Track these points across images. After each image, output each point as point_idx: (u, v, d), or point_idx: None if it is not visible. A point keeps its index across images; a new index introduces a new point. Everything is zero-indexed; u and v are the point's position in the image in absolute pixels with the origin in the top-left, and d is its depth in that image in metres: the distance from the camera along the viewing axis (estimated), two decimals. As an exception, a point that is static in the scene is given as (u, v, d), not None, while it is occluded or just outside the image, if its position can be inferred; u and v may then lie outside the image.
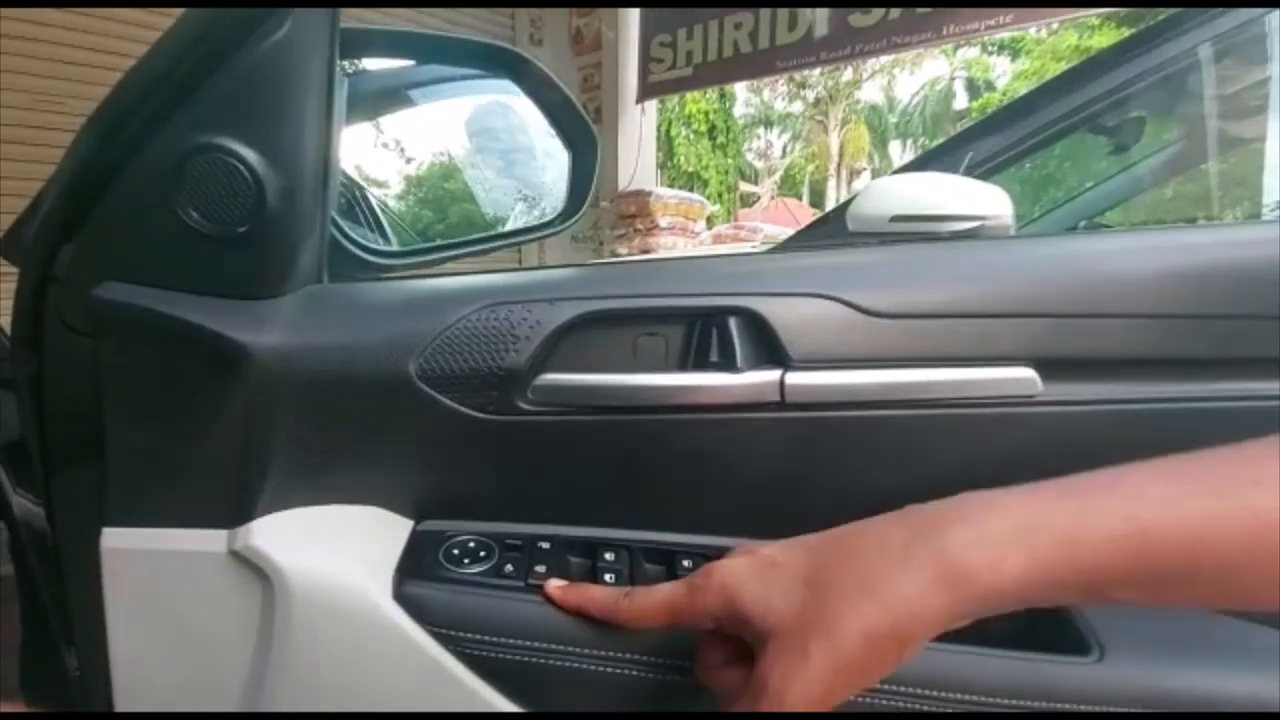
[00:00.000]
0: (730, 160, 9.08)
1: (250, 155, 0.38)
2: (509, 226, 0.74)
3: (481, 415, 0.42)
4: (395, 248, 0.63)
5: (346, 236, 0.49)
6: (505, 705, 0.40)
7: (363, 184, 0.94)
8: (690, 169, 8.54)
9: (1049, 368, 0.43)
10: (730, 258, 0.49)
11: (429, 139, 1.09)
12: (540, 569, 0.42)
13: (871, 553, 0.29)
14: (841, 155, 10.83)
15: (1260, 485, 0.26)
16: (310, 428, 0.41)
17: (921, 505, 0.30)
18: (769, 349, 0.43)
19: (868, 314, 0.42)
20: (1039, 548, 0.27)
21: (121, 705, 0.43)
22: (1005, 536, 0.27)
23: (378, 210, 0.90)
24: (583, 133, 0.54)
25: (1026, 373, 0.43)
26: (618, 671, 0.39)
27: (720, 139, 8.87)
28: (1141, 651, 0.43)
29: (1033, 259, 0.45)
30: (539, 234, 0.56)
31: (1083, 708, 0.41)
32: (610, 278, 0.45)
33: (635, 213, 3.72)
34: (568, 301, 0.42)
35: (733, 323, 0.43)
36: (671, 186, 5.96)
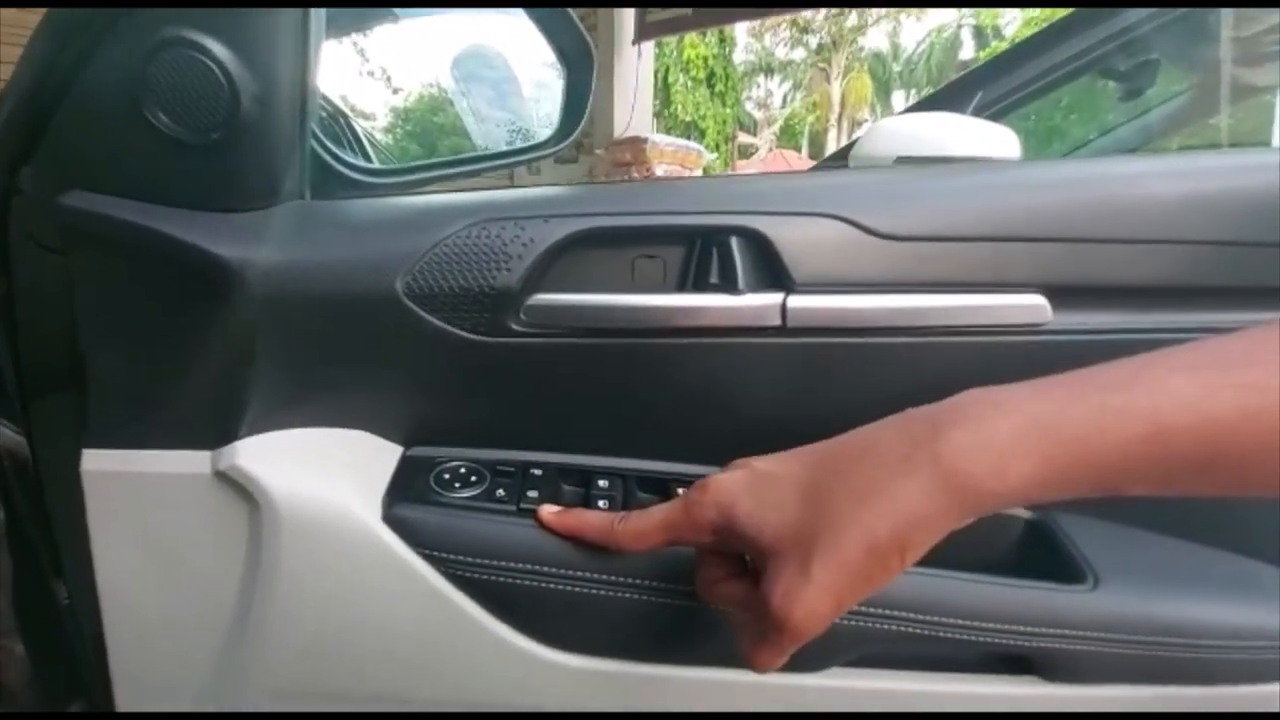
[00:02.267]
0: (729, 109, 8.86)
1: (222, 53, 0.35)
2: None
3: (472, 336, 0.40)
4: (380, 166, 0.60)
5: (330, 154, 0.46)
6: (497, 627, 0.39)
7: (348, 114, 0.90)
8: (687, 118, 8.34)
9: (1060, 295, 0.42)
10: (734, 177, 0.47)
11: (417, 68, 1.05)
12: (533, 494, 0.41)
13: (869, 462, 0.28)
14: (843, 105, 10.58)
15: (1270, 365, 0.25)
16: (294, 347, 0.39)
17: (920, 409, 0.29)
18: (771, 271, 0.41)
19: (876, 235, 0.40)
20: (1051, 453, 0.25)
21: (111, 632, 0.43)
22: (1010, 442, 0.26)
23: (365, 143, 0.87)
24: (578, 47, 0.51)
25: (1036, 300, 0.42)
26: (611, 595, 0.39)
27: (719, 87, 8.64)
28: (1137, 581, 0.43)
29: (1049, 181, 0.43)
30: (533, 155, 0.53)
31: (1077, 634, 0.41)
32: (608, 196, 0.43)
33: (630, 160, 3.64)
34: (563, 219, 0.40)
35: (734, 243, 0.41)
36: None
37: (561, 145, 0.53)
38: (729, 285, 0.41)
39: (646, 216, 0.41)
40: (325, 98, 0.83)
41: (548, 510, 0.39)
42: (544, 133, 0.59)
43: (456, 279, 0.39)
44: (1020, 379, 0.43)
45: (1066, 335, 0.42)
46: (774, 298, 0.41)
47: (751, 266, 0.41)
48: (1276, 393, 0.24)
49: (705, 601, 0.35)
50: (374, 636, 0.40)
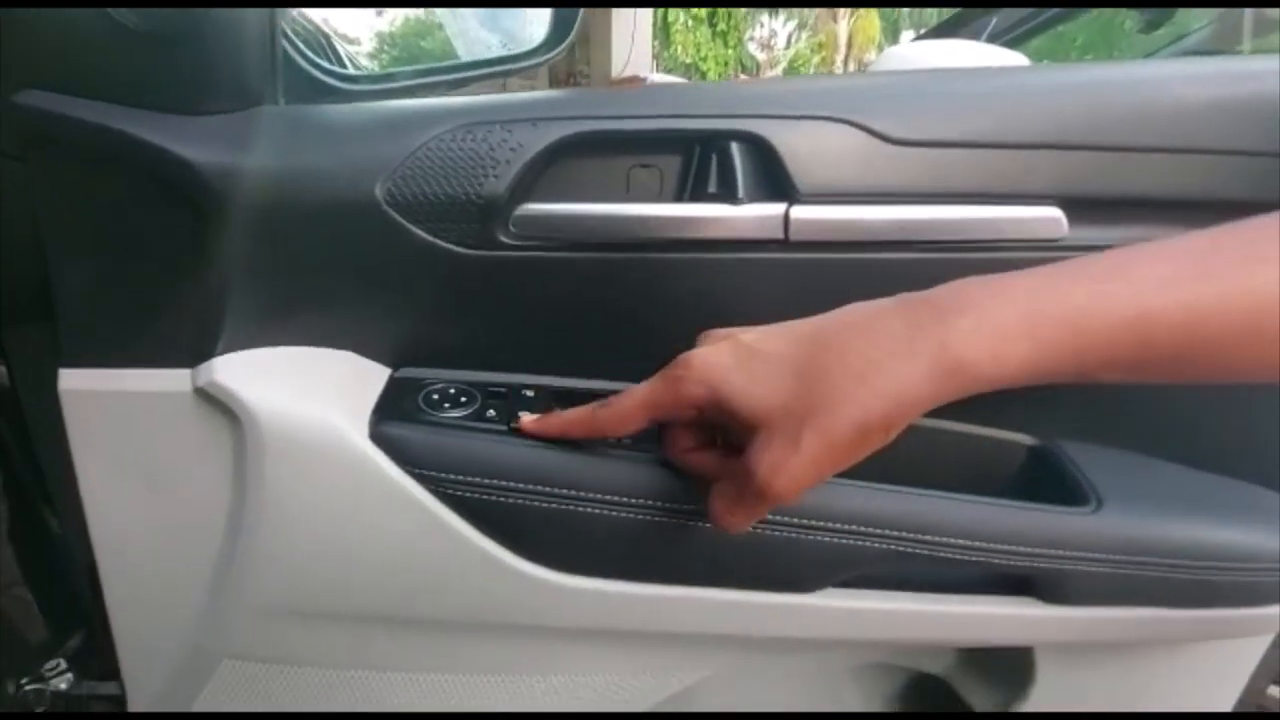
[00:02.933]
0: (730, 51, 8.56)
1: None
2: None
3: (458, 249, 0.38)
4: (360, 73, 0.57)
5: (305, 58, 0.43)
6: (487, 545, 0.39)
7: (330, 35, 0.86)
8: (688, 59, 8.07)
9: (1077, 207, 0.40)
10: (737, 81, 0.44)
11: (402, -13, 0.99)
12: (525, 415, 0.40)
13: (866, 342, 0.28)
14: (850, 46, 10.23)
15: (1265, 264, 0.26)
16: (271, 259, 0.38)
17: (920, 294, 0.29)
18: (774, 180, 0.39)
19: (886, 140, 0.38)
20: (1043, 336, 0.26)
21: (102, 557, 0.42)
22: (1009, 326, 0.26)
23: (348, 66, 0.83)
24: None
25: (1053, 212, 0.40)
26: (602, 513, 0.38)
27: (720, 26, 8.33)
28: (1139, 504, 0.42)
29: (1071, 85, 0.40)
30: (522, 63, 0.50)
31: (1078, 555, 0.40)
32: (601, 99, 0.41)
33: (630, 101, 3.54)
34: (553, 122, 0.38)
35: (735, 149, 0.38)
36: (668, 76, 5.66)
37: (552, 54, 0.49)
38: (729, 194, 0.39)
39: (642, 120, 0.39)
40: (306, 19, 0.79)
41: (528, 418, 0.38)
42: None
43: (440, 186, 0.37)
44: None
45: (1084, 250, 0.40)
46: (776, 208, 0.39)
47: (753, 175, 0.39)
48: (1249, 283, 0.25)
49: (678, 466, 0.36)
50: (362, 554, 0.39)
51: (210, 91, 0.36)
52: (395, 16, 1.09)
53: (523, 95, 0.41)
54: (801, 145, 0.38)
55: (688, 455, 0.35)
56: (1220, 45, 1.34)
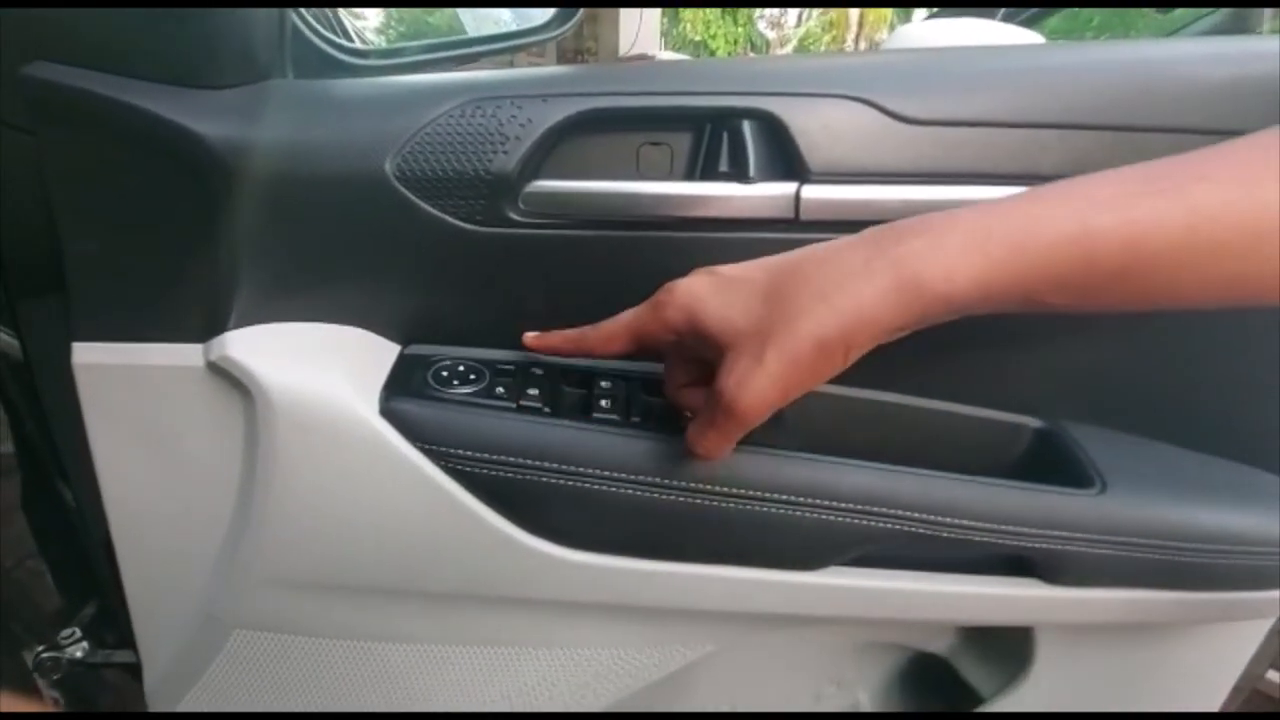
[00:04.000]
0: (740, 29, 8.44)
1: None
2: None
3: (468, 226, 0.38)
4: (370, 47, 0.56)
5: (315, 32, 0.43)
6: (495, 520, 0.39)
7: (337, 10, 0.85)
8: (697, 37, 7.96)
9: None
10: (749, 58, 0.44)
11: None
12: (533, 392, 0.40)
13: (830, 266, 0.29)
14: (861, 25, 10.06)
15: (1205, 182, 0.26)
16: (280, 234, 0.38)
17: (884, 225, 0.30)
18: (786, 158, 0.38)
19: (900, 119, 0.38)
20: (990, 255, 0.27)
21: (117, 529, 0.43)
22: (959, 246, 0.28)
23: (355, 39, 0.82)
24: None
25: None
26: (610, 489, 0.38)
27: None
28: (1142, 487, 0.42)
29: (1086, 65, 0.40)
30: (531, 38, 0.50)
31: (1082, 536, 0.41)
32: (611, 76, 0.40)
33: (637, 79, 3.49)
34: (563, 98, 0.38)
35: (746, 127, 0.38)
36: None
37: (562, 30, 0.49)
38: (740, 173, 0.38)
39: (653, 97, 0.38)
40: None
41: (529, 335, 0.40)
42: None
43: (450, 162, 0.37)
44: None
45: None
46: (787, 187, 0.38)
47: (764, 153, 0.38)
48: (1188, 201, 0.26)
49: (672, 402, 0.38)
50: (372, 528, 0.39)
51: (220, 65, 0.36)
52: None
53: (533, 70, 0.40)
54: (813, 124, 0.38)
55: (680, 391, 0.37)
56: (1238, 26, 1.31)
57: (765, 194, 0.38)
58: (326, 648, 0.45)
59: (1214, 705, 0.55)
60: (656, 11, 4.17)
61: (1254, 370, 0.44)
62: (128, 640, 0.48)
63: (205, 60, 0.36)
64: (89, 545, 0.52)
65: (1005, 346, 0.44)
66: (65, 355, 0.39)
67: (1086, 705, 0.53)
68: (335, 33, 0.74)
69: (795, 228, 0.39)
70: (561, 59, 3.89)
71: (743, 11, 8.46)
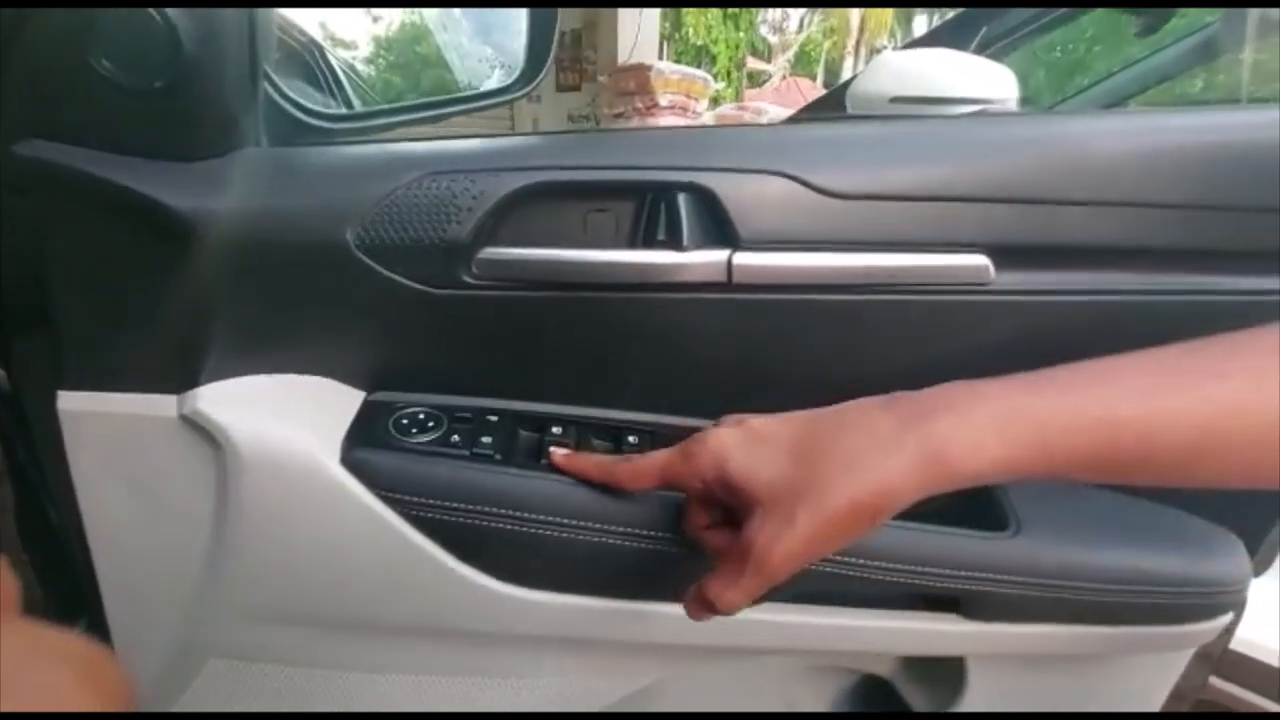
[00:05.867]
0: (742, 34, 8.45)
1: None
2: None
3: (424, 289, 0.41)
4: (340, 111, 0.59)
5: (286, 98, 0.46)
6: (452, 563, 0.42)
7: (325, 44, 0.88)
8: (699, 41, 7.98)
9: (1003, 255, 0.43)
10: (688, 130, 0.47)
11: (397, -4, 1.01)
12: (487, 440, 0.43)
13: (859, 433, 0.31)
14: (862, 31, 10.08)
15: (1220, 379, 0.28)
16: (252, 296, 0.41)
17: (908, 393, 0.32)
18: (719, 228, 0.41)
19: (824, 194, 0.41)
20: (1015, 437, 0.28)
21: (99, 558, 0.46)
22: (985, 426, 0.29)
23: (340, 74, 0.85)
24: (539, -10, 0.49)
25: (979, 260, 0.42)
26: (558, 535, 0.41)
27: (732, 9, 8.21)
28: (1056, 530, 0.45)
29: (997, 141, 0.43)
30: (496, 99, 0.53)
31: (996, 577, 0.43)
32: (560, 148, 0.43)
33: (634, 89, 3.51)
34: (513, 172, 0.41)
35: (682, 199, 0.41)
36: (679, 61, 5.61)
37: (526, 90, 0.52)
38: (675, 241, 0.41)
39: (596, 171, 0.41)
40: (300, 29, 0.81)
41: (559, 453, 0.42)
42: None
43: (407, 231, 0.40)
44: (962, 336, 0.44)
45: (1009, 295, 0.43)
46: (720, 254, 0.41)
47: (699, 223, 0.41)
48: (1206, 397, 0.28)
49: (692, 542, 0.38)
50: (335, 567, 0.42)
51: (195, 139, 0.39)
52: (391, 20, 1.10)
53: (486, 142, 0.43)
54: (744, 196, 0.41)
55: (702, 532, 0.37)
56: (1224, 45, 1.34)
57: (701, 260, 0.41)
58: (296, 676, 0.48)
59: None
60: (655, 18, 4.18)
61: None
62: None
63: (181, 134, 0.39)
64: (77, 568, 0.55)
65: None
66: (49, 394, 0.42)
67: None
68: (326, 77, 0.77)
69: (730, 289, 0.42)
70: (560, 71, 3.92)
71: (745, 14, 8.47)
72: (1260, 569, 0.51)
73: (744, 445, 0.33)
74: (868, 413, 0.32)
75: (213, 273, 0.40)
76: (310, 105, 0.46)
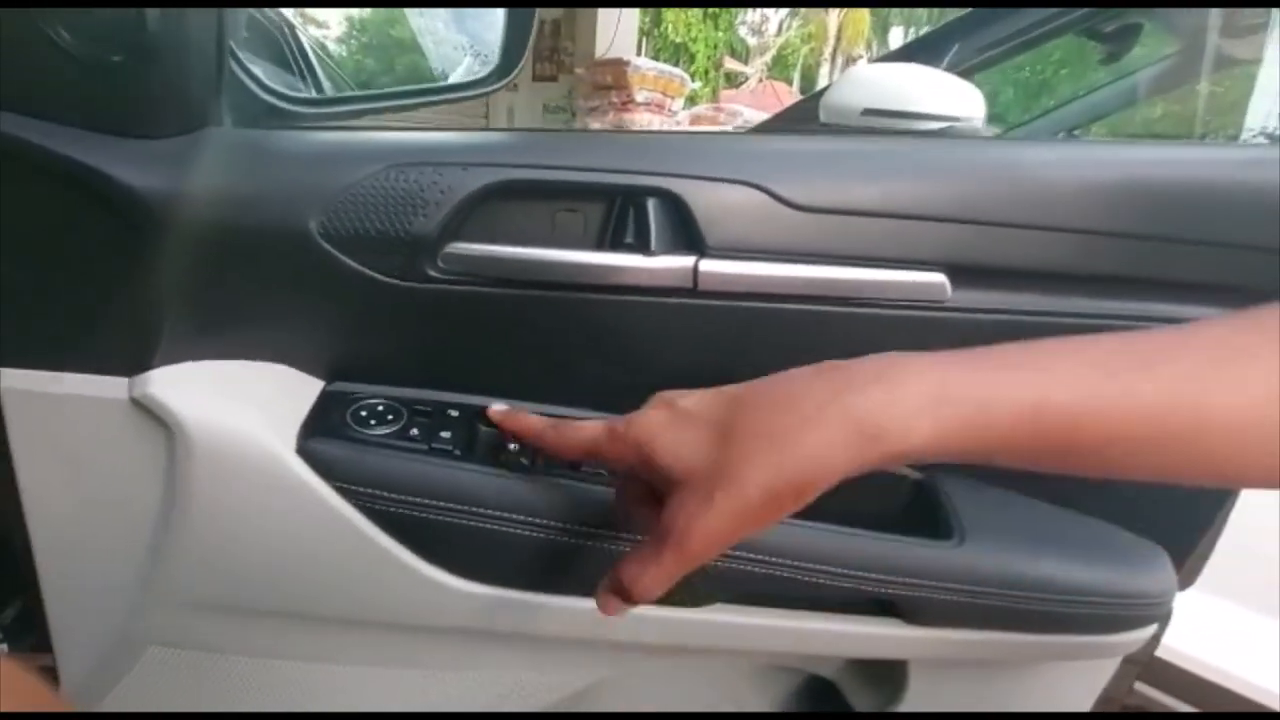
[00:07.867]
0: (721, 34, 8.48)
1: None
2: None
3: (388, 280, 0.41)
4: (310, 96, 0.58)
5: (254, 79, 0.45)
6: (404, 555, 0.42)
7: (297, 22, 0.86)
8: (678, 39, 7.99)
9: (961, 274, 0.44)
10: (660, 134, 0.47)
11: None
12: (446, 435, 0.43)
13: (783, 407, 0.29)
14: (839, 39, 10.22)
15: (1145, 371, 0.27)
16: (207, 278, 0.40)
17: (839, 362, 0.30)
18: (686, 234, 0.42)
19: (789, 206, 0.42)
20: (946, 416, 0.28)
21: (38, 543, 0.45)
22: (917, 403, 0.28)
23: (311, 54, 0.83)
24: (519, -14, 0.49)
25: (937, 277, 0.44)
26: (510, 530, 0.42)
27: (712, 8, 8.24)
28: (998, 540, 0.47)
29: (955, 164, 0.44)
30: (469, 93, 0.52)
31: (937, 584, 0.45)
32: (531, 145, 0.43)
33: (611, 84, 3.50)
34: (482, 168, 0.40)
35: (651, 204, 0.42)
36: (657, 58, 5.60)
37: (499, 85, 0.52)
38: (643, 245, 0.42)
39: (567, 172, 0.41)
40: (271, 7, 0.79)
41: (497, 409, 0.41)
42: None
43: (372, 222, 0.39)
44: (917, 350, 0.46)
45: (963, 313, 0.45)
46: (686, 260, 0.42)
47: (667, 228, 0.42)
48: (1130, 390, 0.27)
49: (623, 516, 0.37)
50: (284, 557, 0.42)
51: (155, 116, 0.38)
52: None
53: (455, 135, 0.43)
54: (712, 204, 0.41)
55: (631, 506, 0.36)
56: (1182, 76, 1.39)
57: (667, 265, 0.42)
58: (238, 666, 0.47)
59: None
60: (635, 16, 4.17)
61: None
62: (48, 645, 0.49)
63: (141, 111, 0.38)
64: (13, 551, 0.53)
65: None
66: None
67: None
68: (297, 57, 0.75)
69: (694, 295, 0.43)
70: (537, 61, 3.88)
71: (724, 17, 8.51)
72: (1186, 582, 0.54)
73: (669, 427, 0.32)
74: (794, 382, 0.30)
75: (169, 253, 0.39)
76: (279, 88, 0.45)
